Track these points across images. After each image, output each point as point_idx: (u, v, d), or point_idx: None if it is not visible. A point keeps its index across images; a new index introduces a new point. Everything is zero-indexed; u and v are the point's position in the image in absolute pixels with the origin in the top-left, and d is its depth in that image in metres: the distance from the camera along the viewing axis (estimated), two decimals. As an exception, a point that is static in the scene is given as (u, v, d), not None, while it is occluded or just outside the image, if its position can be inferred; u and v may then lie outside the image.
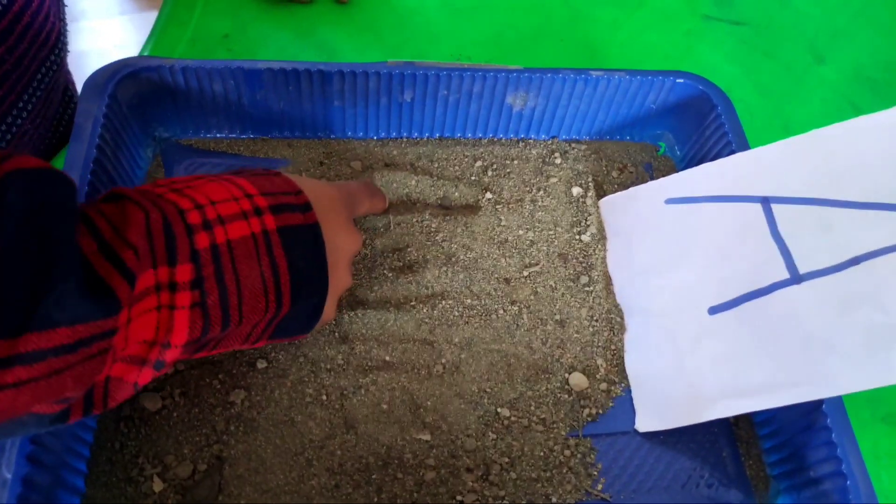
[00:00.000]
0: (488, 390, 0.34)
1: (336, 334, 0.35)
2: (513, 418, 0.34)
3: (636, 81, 0.41)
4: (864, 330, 0.28)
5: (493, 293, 0.37)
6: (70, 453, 0.28)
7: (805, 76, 0.53)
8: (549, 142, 0.44)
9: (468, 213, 0.40)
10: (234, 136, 0.41)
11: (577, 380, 0.35)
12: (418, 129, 0.42)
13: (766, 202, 0.33)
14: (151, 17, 0.49)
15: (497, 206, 0.41)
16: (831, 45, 0.55)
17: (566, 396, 0.35)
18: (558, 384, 0.35)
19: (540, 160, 0.43)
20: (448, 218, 0.39)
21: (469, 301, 0.37)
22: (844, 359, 0.28)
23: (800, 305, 0.30)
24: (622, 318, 0.38)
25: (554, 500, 0.32)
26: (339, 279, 0.29)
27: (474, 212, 0.40)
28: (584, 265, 0.39)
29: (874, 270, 0.29)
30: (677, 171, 0.44)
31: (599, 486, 0.33)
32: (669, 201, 0.37)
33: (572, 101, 0.42)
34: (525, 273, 0.38)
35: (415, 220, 0.39)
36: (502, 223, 0.40)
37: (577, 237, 0.40)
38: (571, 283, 0.38)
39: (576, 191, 0.42)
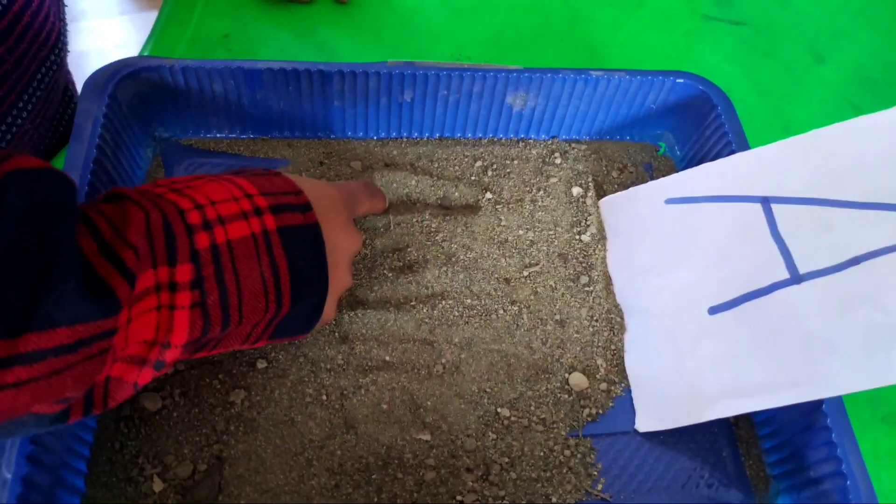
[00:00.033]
0: (488, 390, 0.34)
1: (336, 334, 0.35)
2: (513, 418, 0.34)
3: (636, 81, 0.41)
4: (864, 330, 0.28)
5: (493, 293, 0.37)
6: (70, 453, 0.28)
7: (805, 76, 0.53)
8: (549, 142, 0.44)
9: (468, 213, 0.40)
10: (234, 136, 0.41)
11: (577, 380, 0.35)
12: (418, 129, 0.42)
13: (765, 202, 0.33)
14: (151, 17, 0.49)
15: (497, 206, 0.41)
16: (831, 45, 0.55)
17: (566, 396, 0.35)
18: (558, 384, 0.35)
19: (540, 160, 0.43)
20: (448, 218, 0.39)
21: (469, 301, 0.37)
22: (844, 359, 0.28)
23: (800, 305, 0.30)
24: (622, 318, 0.38)
25: (554, 500, 0.32)
26: (339, 279, 0.29)
27: (474, 212, 0.40)
28: (584, 265, 0.39)
29: (874, 270, 0.29)
30: (677, 171, 0.44)
31: (599, 486, 0.33)
32: (669, 201, 0.37)
33: (572, 101, 0.42)
34: (525, 273, 0.38)
35: (415, 220, 0.39)
36: (502, 223, 0.40)
37: (577, 237, 0.40)
38: (571, 283, 0.38)
39: (576, 191, 0.42)
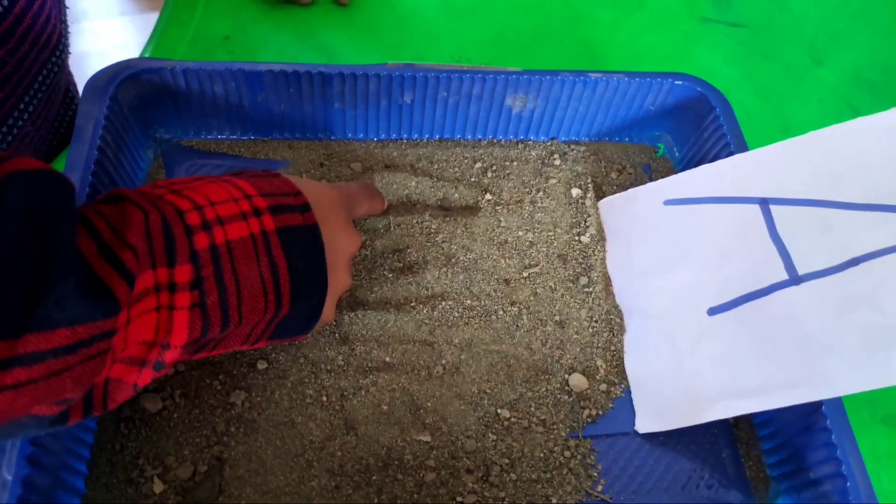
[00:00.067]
0: (488, 391, 0.34)
1: (336, 335, 0.35)
2: (513, 419, 0.34)
3: (635, 83, 0.41)
4: (863, 331, 0.28)
5: (493, 294, 0.37)
6: (70, 455, 0.28)
7: (803, 78, 0.53)
8: (549, 143, 0.44)
9: (468, 215, 0.40)
10: (234, 137, 0.41)
11: (577, 381, 0.35)
12: (418, 131, 0.43)
13: (764, 203, 0.33)
14: (152, 18, 0.49)
15: (497, 208, 0.41)
16: (830, 46, 0.56)
17: (566, 397, 0.35)
18: (558, 385, 0.35)
19: (539, 161, 0.43)
20: (448, 219, 0.40)
21: (469, 302, 0.37)
22: (843, 360, 0.29)
23: (799, 306, 0.30)
24: (622, 319, 0.38)
25: (554, 501, 0.32)
26: (339, 280, 0.29)
27: (474, 213, 0.40)
28: (583, 266, 0.39)
29: (873, 271, 0.29)
30: (676, 173, 0.44)
31: (599, 488, 0.33)
32: (668, 202, 0.37)
33: (571, 102, 0.42)
34: (525, 274, 0.38)
35: (415, 221, 0.39)
36: (502, 224, 0.40)
37: (577, 238, 0.40)
38: (571, 284, 0.38)
39: (575, 192, 0.42)
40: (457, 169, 0.42)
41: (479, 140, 0.43)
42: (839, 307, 0.29)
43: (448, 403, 0.34)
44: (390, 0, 0.52)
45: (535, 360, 0.36)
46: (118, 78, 0.36)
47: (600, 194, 0.42)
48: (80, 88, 0.35)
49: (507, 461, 0.32)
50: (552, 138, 0.44)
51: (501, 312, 0.37)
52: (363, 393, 0.33)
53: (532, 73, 0.40)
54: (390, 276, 0.37)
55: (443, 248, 0.39)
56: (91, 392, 0.22)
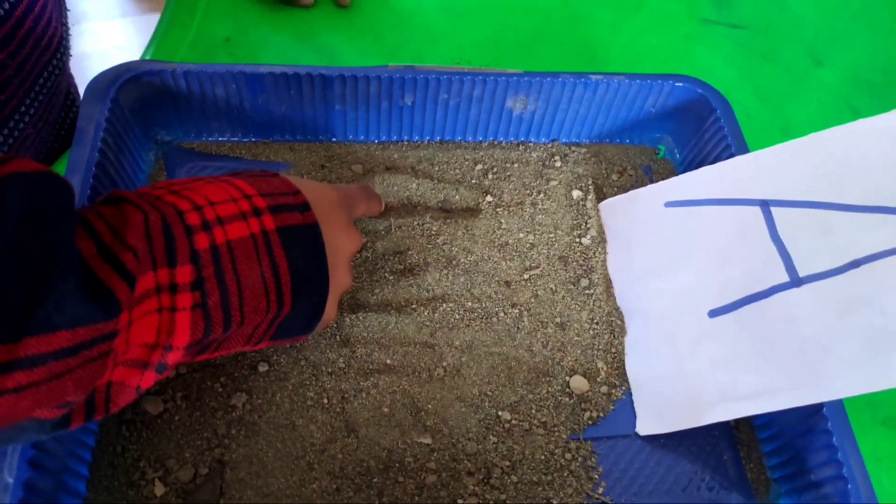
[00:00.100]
0: (489, 393, 0.34)
1: (337, 337, 0.35)
2: (514, 421, 0.34)
3: (635, 85, 0.41)
4: (864, 333, 0.28)
5: (494, 296, 0.37)
6: (72, 457, 0.28)
7: (803, 79, 0.53)
8: (549, 145, 0.44)
9: (469, 217, 0.40)
10: (235, 139, 0.41)
11: (578, 383, 0.35)
12: (419, 133, 0.43)
13: (765, 205, 0.33)
14: (152, 19, 0.49)
15: (497, 209, 0.41)
16: (830, 48, 0.56)
17: (567, 399, 0.35)
18: (559, 387, 0.35)
19: (540, 163, 0.43)
20: (449, 221, 0.40)
21: (470, 304, 0.37)
22: (844, 362, 0.29)
23: (799, 308, 0.30)
24: (622, 321, 0.38)
25: (555, 503, 0.32)
26: (340, 279, 0.29)
27: (475, 215, 0.40)
28: (584, 268, 0.39)
29: (874, 274, 0.29)
30: (677, 175, 0.44)
31: (600, 490, 0.33)
32: (669, 204, 0.37)
33: (572, 104, 0.42)
34: (525, 276, 0.38)
35: (415, 223, 0.39)
36: (503, 226, 0.40)
37: (578, 240, 0.40)
38: (572, 286, 0.38)
39: (576, 194, 0.42)
40: (457, 171, 0.42)
41: (480, 142, 0.44)
42: (840, 309, 0.29)
43: (449, 405, 0.34)
44: (391, 1, 0.52)
45: (535, 362, 0.36)
46: (119, 80, 0.36)
47: (601, 196, 0.42)
48: (81, 90, 0.36)
49: (507, 463, 0.32)
50: (553, 140, 0.44)
51: (502, 314, 0.37)
52: (364, 395, 0.33)
53: (533, 75, 0.40)
54: (391, 278, 0.37)
55: (444, 250, 0.39)
56: (93, 395, 0.22)
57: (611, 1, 0.56)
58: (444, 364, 0.35)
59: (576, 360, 0.36)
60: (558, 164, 0.43)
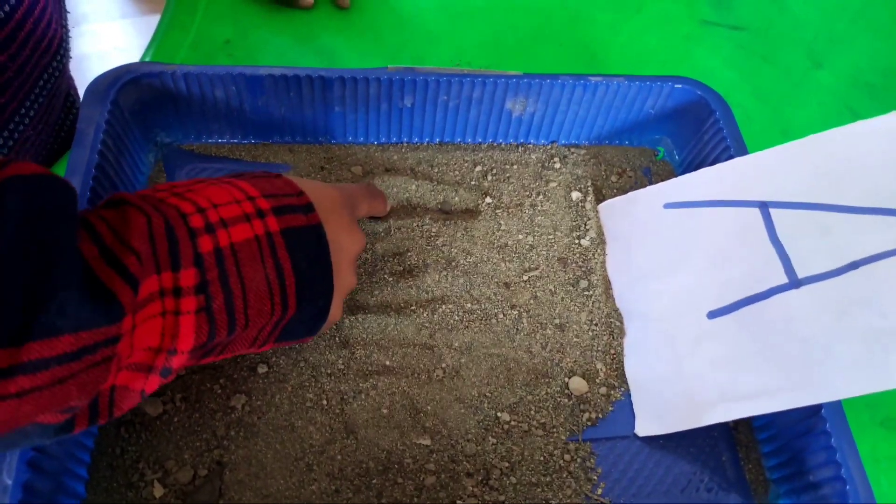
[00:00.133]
0: (488, 395, 0.34)
1: (336, 339, 0.35)
2: (513, 423, 0.34)
3: (635, 87, 0.41)
4: (863, 334, 0.28)
5: (493, 297, 0.37)
6: (71, 459, 0.28)
7: (803, 81, 0.54)
8: (549, 146, 0.44)
9: (468, 218, 0.40)
10: (235, 141, 0.41)
11: (577, 384, 0.35)
12: (418, 135, 0.43)
13: (764, 207, 0.33)
14: (152, 20, 0.49)
15: (497, 211, 0.41)
16: (829, 50, 0.56)
17: (566, 401, 0.35)
18: (558, 388, 0.35)
19: (539, 165, 0.43)
20: (448, 222, 0.40)
21: (469, 305, 0.37)
22: (843, 363, 0.29)
23: (798, 310, 0.30)
24: (622, 322, 0.38)
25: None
26: (344, 280, 0.29)
27: (474, 216, 0.40)
28: (583, 269, 0.39)
29: (873, 275, 0.29)
30: (676, 176, 0.44)
31: (599, 491, 0.33)
32: (668, 206, 0.37)
33: (571, 106, 0.42)
34: (525, 277, 0.38)
35: (415, 224, 0.39)
36: (502, 227, 0.40)
37: (577, 241, 0.40)
38: (571, 288, 0.38)
39: (575, 195, 0.42)
40: (457, 172, 0.42)
41: (480, 143, 0.44)
42: (839, 310, 0.29)
43: (448, 407, 0.34)
44: (390, 3, 0.52)
45: (534, 363, 0.36)
46: (119, 82, 0.36)
47: (600, 197, 0.42)
48: (81, 91, 0.36)
49: (506, 464, 0.32)
50: (552, 142, 0.44)
51: (501, 316, 0.37)
52: (363, 396, 0.33)
53: (532, 76, 0.40)
54: (390, 279, 0.37)
55: (443, 252, 0.39)
56: (97, 399, 0.22)
57: (610, 2, 0.56)
58: (444, 365, 0.35)
59: (575, 361, 0.36)
60: (557, 165, 0.43)
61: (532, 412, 0.34)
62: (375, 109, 0.40)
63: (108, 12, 1.25)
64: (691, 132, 0.43)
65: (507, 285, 0.38)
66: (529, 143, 0.44)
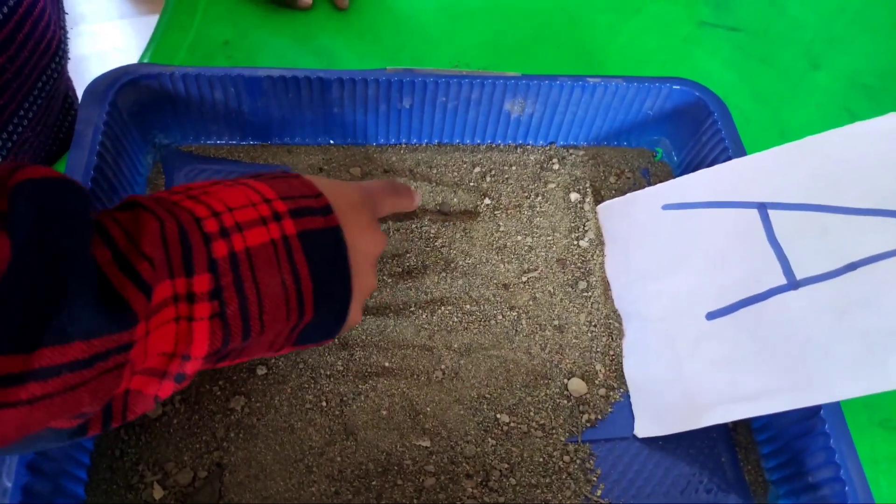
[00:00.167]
0: (487, 396, 0.34)
1: (335, 340, 0.35)
2: (512, 424, 0.34)
3: (633, 88, 0.42)
4: (861, 335, 0.29)
5: (492, 299, 0.37)
6: (70, 461, 0.28)
7: (801, 82, 0.54)
8: (547, 148, 0.44)
9: (467, 219, 0.40)
10: (234, 142, 0.41)
11: (576, 385, 0.35)
12: (417, 136, 0.43)
13: (762, 208, 0.33)
14: (151, 20, 0.49)
15: (495, 212, 0.41)
16: (827, 51, 0.56)
17: (565, 402, 0.35)
18: (557, 390, 0.35)
19: (538, 166, 0.43)
20: (447, 224, 0.40)
21: (468, 307, 0.37)
22: (841, 364, 0.29)
23: (797, 311, 0.30)
24: (620, 323, 0.38)
25: (553, 505, 0.32)
26: (364, 282, 0.28)
27: (473, 217, 0.40)
28: (582, 270, 0.39)
29: (871, 276, 0.29)
30: (674, 177, 0.44)
31: (599, 492, 0.33)
32: (667, 207, 0.37)
33: (570, 107, 0.42)
34: (524, 279, 0.39)
35: (414, 225, 0.39)
36: (501, 229, 0.40)
37: (576, 242, 0.40)
38: (570, 289, 0.38)
39: (574, 196, 0.42)
40: (455, 173, 0.42)
41: (478, 144, 0.44)
42: (837, 312, 0.29)
43: (447, 408, 0.34)
44: (389, 4, 0.52)
45: (534, 364, 0.36)
46: (117, 83, 0.36)
47: (599, 199, 0.42)
48: (80, 91, 0.35)
49: (506, 466, 0.32)
50: (551, 143, 0.44)
51: (500, 317, 0.37)
52: (362, 398, 0.33)
53: (531, 77, 0.40)
54: (389, 280, 0.37)
55: (442, 253, 0.39)
56: (110, 404, 0.22)
57: (609, 4, 0.56)
58: (443, 367, 0.35)
59: (574, 362, 0.36)
60: (556, 166, 0.43)
61: (531, 413, 0.34)
62: (374, 110, 0.40)
63: (106, 12, 1.25)
64: (690, 133, 0.43)
65: (506, 286, 0.38)
66: (528, 145, 0.44)
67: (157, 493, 0.29)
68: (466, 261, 0.39)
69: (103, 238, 0.21)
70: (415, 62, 0.48)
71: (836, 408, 0.31)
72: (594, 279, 0.39)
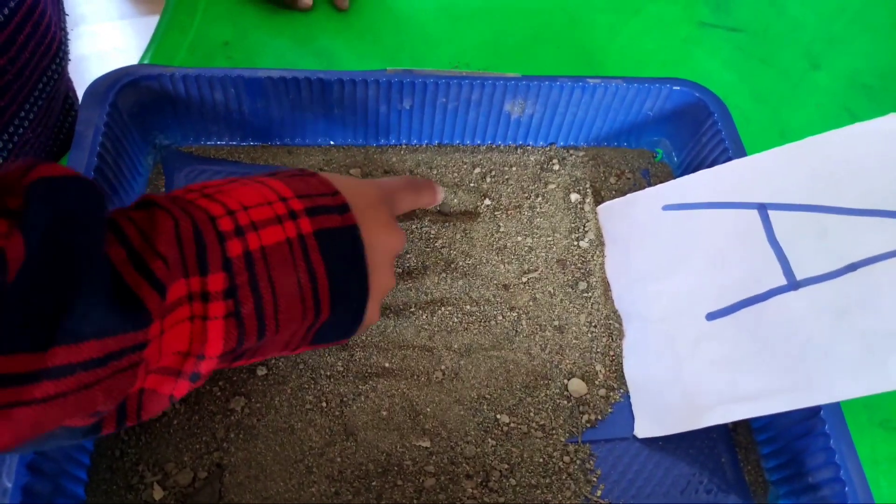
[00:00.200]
0: (487, 396, 0.34)
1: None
2: (512, 424, 0.34)
3: (633, 89, 0.42)
4: (861, 336, 0.29)
5: (492, 299, 0.37)
6: (70, 461, 0.28)
7: (801, 83, 0.54)
8: (548, 148, 0.44)
9: (467, 220, 0.40)
10: (234, 143, 0.41)
11: (576, 386, 0.35)
12: (417, 137, 0.43)
13: (762, 208, 0.33)
14: (151, 21, 0.49)
15: (496, 213, 0.41)
16: (827, 51, 0.56)
17: (565, 402, 0.35)
18: (557, 390, 0.35)
19: (538, 167, 0.43)
20: (447, 224, 0.40)
21: (468, 307, 0.37)
22: (841, 365, 0.29)
23: (797, 312, 0.30)
24: (620, 324, 0.38)
25: (553, 506, 0.32)
26: (382, 281, 0.28)
27: (473, 218, 0.40)
28: (582, 271, 0.39)
29: (871, 277, 0.29)
30: (674, 178, 0.44)
31: (599, 493, 0.33)
32: (667, 207, 0.37)
33: (570, 108, 0.42)
34: (524, 279, 0.39)
35: (414, 226, 0.39)
36: (501, 229, 0.40)
37: (576, 243, 0.40)
38: (570, 290, 0.39)
39: (574, 197, 0.42)
40: (456, 174, 0.42)
41: (478, 145, 0.44)
42: (837, 312, 0.29)
43: (447, 409, 0.34)
44: (389, 5, 0.52)
45: (534, 365, 0.36)
46: (118, 84, 0.36)
47: (599, 199, 0.42)
48: (80, 92, 0.36)
49: (506, 466, 0.32)
50: (551, 143, 0.44)
51: (500, 318, 0.37)
52: (362, 398, 0.33)
53: (531, 78, 0.40)
54: (390, 281, 0.37)
55: (442, 254, 0.39)
56: (125, 403, 0.22)
57: (609, 4, 0.56)
58: (443, 367, 0.35)
59: (574, 363, 0.36)
60: (556, 167, 0.43)
61: (531, 414, 0.34)
62: (374, 111, 0.41)
63: (106, 13, 1.25)
64: (690, 134, 0.43)
65: (506, 287, 0.38)
66: (528, 145, 0.44)
67: (157, 493, 0.29)
68: (466, 261, 0.39)
69: (118, 237, 0.21)
70: (415, 63, 0.49)
71: (836, 408, 0.31)
72: (594, 280, 0.39)
